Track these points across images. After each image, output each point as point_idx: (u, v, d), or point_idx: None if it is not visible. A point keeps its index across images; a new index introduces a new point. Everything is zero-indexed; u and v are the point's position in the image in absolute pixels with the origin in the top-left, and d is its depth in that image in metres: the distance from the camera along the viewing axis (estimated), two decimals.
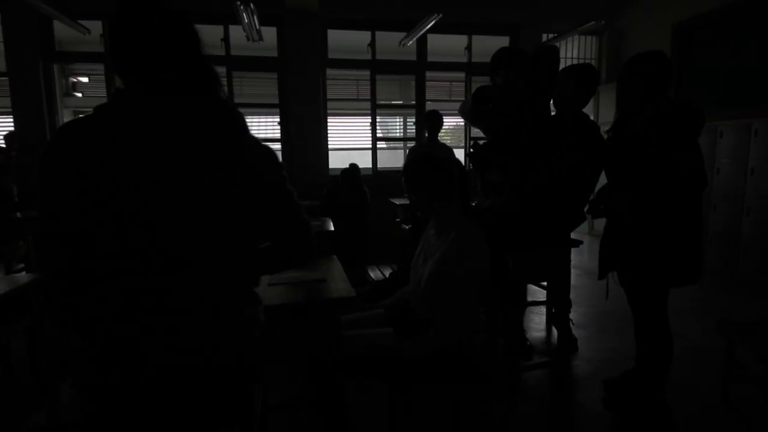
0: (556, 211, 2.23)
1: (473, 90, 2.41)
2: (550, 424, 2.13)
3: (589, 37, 6.16)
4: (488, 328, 1.58)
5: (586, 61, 6.23)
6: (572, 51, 6.25)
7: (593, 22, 5.34)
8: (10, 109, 4.91)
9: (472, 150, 2.33)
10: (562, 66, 2.30)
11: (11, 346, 2.36)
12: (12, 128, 5.12)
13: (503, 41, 6.02)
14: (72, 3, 4.64)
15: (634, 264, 1.95)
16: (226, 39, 5.32)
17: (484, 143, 2.36)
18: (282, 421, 1.97)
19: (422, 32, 5.15)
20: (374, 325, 1.72)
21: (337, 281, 1.62)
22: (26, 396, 2.20)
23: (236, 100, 5.55)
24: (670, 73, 1.96)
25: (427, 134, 3.93)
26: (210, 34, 5.30)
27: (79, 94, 8.47)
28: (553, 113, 2.36)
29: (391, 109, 8.94)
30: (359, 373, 1.48)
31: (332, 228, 3.07)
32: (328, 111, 5.79)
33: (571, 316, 3.05)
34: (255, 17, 4.04)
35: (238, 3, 3.57)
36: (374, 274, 3.12)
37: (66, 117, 7.84)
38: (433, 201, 1.64)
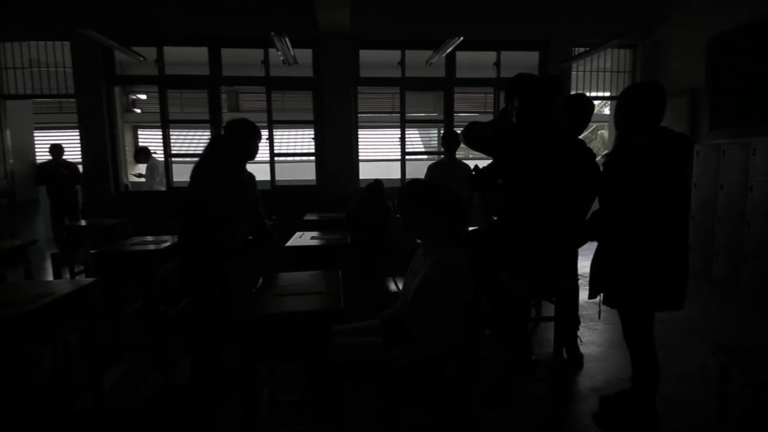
0: (551, 225, 2.33)
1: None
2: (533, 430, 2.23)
3: (623, 50, 6.08)
4: (469, 341, 1.72)
5: (620, 73, 6.16)
6: (606, 63, 6.19)
7: (620, 39, 5.30)
8: (77, 125, 5.58)
9: (473, 173, 2.49)
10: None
11: (70, 339, 2.75)
12: (57, 141, 6.05)
13: (533, 56, 6.07)
14: (128, 32, 5.22)
15: (618, 289, 2.04)
16: (266, 61, 5.72)
17: (484, 167, 2.50)
18: (290, 417, 2.21)
19: (446, 52, 5.33)
20: (367, 335, 1.92)
21: (329, 294, 1.83)
22: (78, 382, 2.57)
23: (275, 117, 5.94)
24: (664, 101, 2.04)
25: (445, 153, 4.08)
26: (251, 56, 5.74)
27: (138, 110, 9.27)
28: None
29: (428, 122, 9.11)
30: (348, 377, 1.68)
31: (348, 241, 3.31)
32: (364, 124, 6.11)
33: (580, 333, 3.10)
34: (288, 44, 4.38)
35: (273, 33, 3.90)
36: (393, 287, 3.31)
37: (126, 132, 8.62)
38: (420, 223, 1.81)
